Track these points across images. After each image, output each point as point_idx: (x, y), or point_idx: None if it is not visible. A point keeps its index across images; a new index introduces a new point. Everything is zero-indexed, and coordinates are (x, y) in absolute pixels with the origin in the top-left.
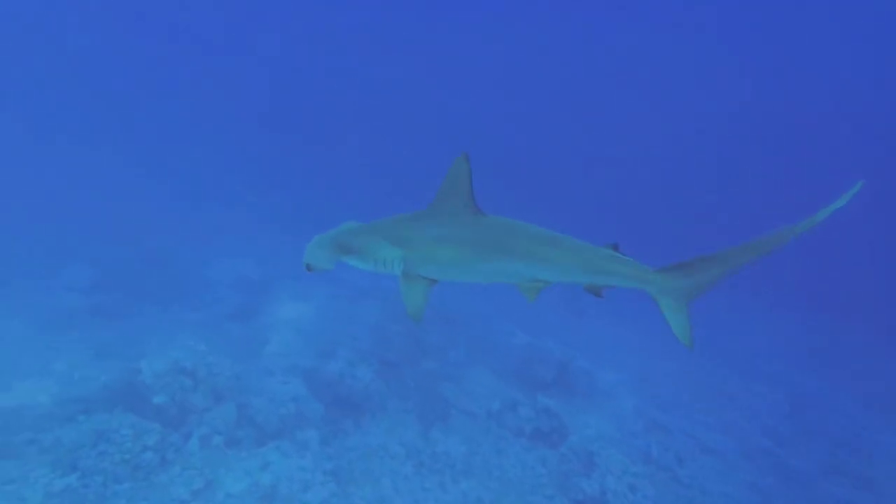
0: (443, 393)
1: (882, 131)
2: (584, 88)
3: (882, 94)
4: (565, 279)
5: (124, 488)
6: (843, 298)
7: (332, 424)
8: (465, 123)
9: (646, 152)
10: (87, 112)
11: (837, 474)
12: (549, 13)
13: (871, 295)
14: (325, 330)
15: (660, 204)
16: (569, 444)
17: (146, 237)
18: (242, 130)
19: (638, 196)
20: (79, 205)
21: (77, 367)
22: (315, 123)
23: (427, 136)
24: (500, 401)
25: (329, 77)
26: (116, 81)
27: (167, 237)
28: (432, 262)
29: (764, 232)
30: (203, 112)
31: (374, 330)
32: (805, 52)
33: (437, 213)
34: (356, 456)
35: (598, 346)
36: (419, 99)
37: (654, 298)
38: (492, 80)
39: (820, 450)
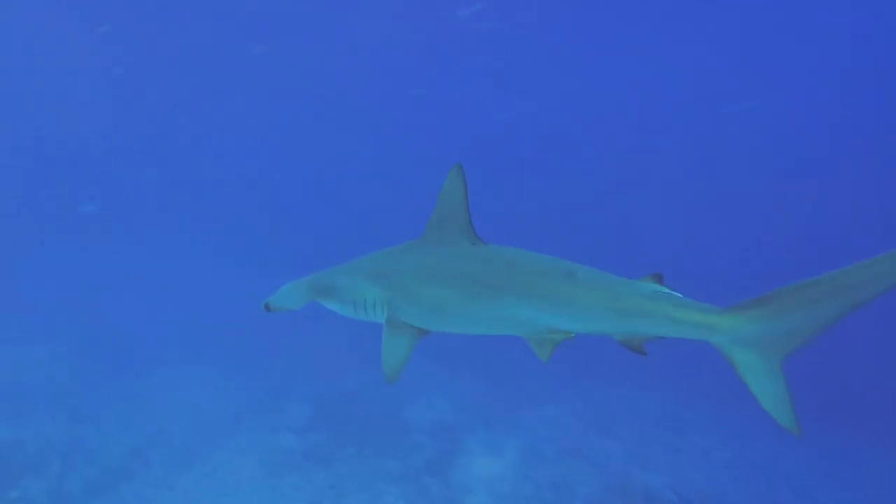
0: None
1: None
2: (606, 100)
3: None
4: (592, 328)
5: None
6: None
7: None
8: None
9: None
10: (266, 239)
11: None
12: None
13: None
14: (529, 500)
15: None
16: None
17: (349, 372)
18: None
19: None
20: (298, 337)
21: None
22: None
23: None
24: None
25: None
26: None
27: (366, 372)
28: (417, 305)
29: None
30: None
31: None
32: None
33: (426, 244)
34: None
35: None
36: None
37: (725, 354)
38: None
39: None
